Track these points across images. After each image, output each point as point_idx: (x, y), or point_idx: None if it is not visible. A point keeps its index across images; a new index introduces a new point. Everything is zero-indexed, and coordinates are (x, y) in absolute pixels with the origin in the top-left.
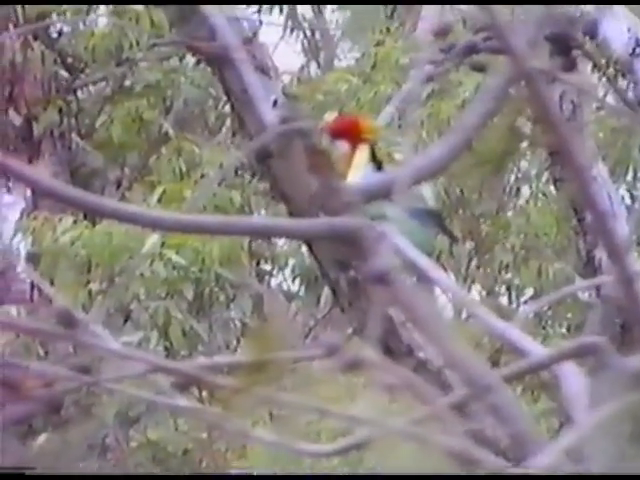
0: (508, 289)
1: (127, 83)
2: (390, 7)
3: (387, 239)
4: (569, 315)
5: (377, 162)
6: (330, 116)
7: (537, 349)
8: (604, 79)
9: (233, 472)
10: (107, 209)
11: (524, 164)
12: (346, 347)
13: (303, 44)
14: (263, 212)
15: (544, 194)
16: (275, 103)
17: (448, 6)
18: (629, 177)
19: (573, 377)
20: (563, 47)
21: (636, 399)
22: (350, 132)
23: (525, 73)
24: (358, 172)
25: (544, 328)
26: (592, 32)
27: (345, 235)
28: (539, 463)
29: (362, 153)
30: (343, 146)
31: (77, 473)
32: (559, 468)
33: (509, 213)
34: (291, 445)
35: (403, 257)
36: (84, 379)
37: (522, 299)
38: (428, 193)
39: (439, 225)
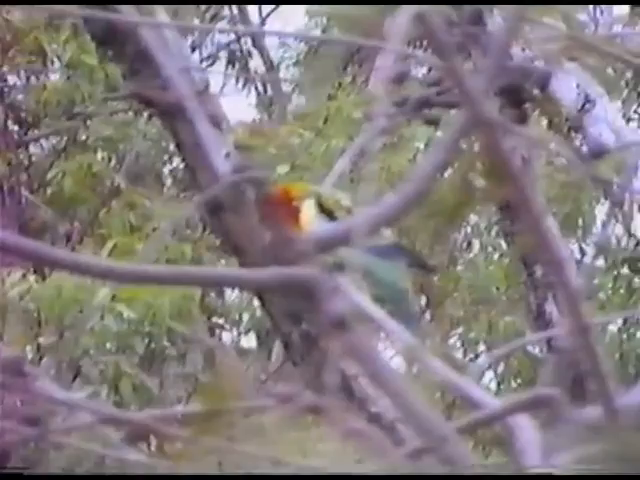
0: (462, 343)
1: (79, 137)
2: (343, 61)
3: (341, 289)
4: (520, 370)
5: (327, 212)
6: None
7: (491, 402)
8: (556, 134)
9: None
10: (59, 259)
11: (474, 218)
12: (298, 398)
13: (256, 98)
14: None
15: (494, 248)
16: (227, 155)
17: (402, 57)
18: (579, 232)
19: (526, 430)
20: (515, 99)
21: (590, 451)
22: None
23: (482, 122)
24: (310, 226)
25: (498, 384)
26: (544, 85)
27: (299, 285)
28: None
29: (308, 207)
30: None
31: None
32: None
33: (459, 267)
34: None
35: (357, 308)
36: (33, 432)
37: (476, 352)
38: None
39: (409, 257)
